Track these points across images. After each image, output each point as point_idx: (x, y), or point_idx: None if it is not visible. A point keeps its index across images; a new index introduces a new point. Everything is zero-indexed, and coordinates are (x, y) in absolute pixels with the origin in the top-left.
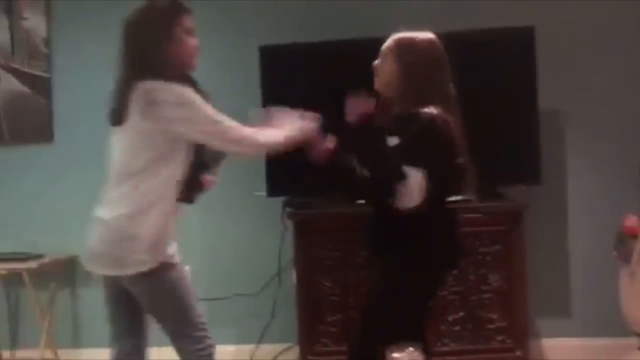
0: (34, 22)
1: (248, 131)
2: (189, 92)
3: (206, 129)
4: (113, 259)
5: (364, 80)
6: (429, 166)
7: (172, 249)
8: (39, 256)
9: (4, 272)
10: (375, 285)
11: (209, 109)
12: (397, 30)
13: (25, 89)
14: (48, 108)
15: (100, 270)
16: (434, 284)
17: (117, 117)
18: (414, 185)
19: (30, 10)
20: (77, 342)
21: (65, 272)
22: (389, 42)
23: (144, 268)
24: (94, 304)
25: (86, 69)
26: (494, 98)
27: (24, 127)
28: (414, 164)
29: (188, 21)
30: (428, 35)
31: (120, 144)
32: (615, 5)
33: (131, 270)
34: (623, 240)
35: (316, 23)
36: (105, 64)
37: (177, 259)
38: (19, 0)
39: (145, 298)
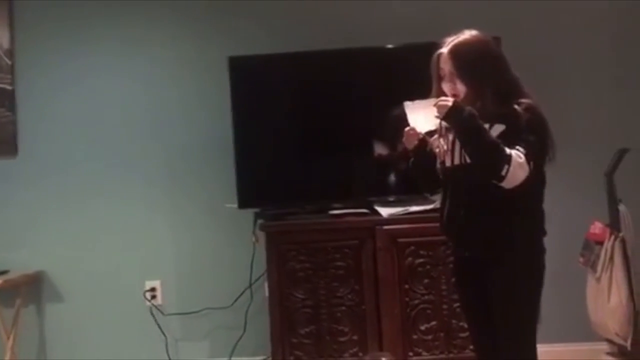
0: None
1: None
2: None
3: None
4: None
5: (334, 90)
6: (536, 149)
7: None
8: (4, 272)
9: None
10: (502, 282)
11: None
12: (368, 41)
13: None
14: (12, 121)
15: None
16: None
17: None
18: (517, 165)
19: None
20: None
21: (31, 288)
22: (444, 60)
23: None
24: (61, 320)
25: (51, 81)
26: None
27: None
28: (520, 145)
29: None
30: (469, 34)
31: None
32: (581, 15)
33: None
34: (589, 246)
35: (286, 34)
36: (70, 76)
37: None
38: None
39: None
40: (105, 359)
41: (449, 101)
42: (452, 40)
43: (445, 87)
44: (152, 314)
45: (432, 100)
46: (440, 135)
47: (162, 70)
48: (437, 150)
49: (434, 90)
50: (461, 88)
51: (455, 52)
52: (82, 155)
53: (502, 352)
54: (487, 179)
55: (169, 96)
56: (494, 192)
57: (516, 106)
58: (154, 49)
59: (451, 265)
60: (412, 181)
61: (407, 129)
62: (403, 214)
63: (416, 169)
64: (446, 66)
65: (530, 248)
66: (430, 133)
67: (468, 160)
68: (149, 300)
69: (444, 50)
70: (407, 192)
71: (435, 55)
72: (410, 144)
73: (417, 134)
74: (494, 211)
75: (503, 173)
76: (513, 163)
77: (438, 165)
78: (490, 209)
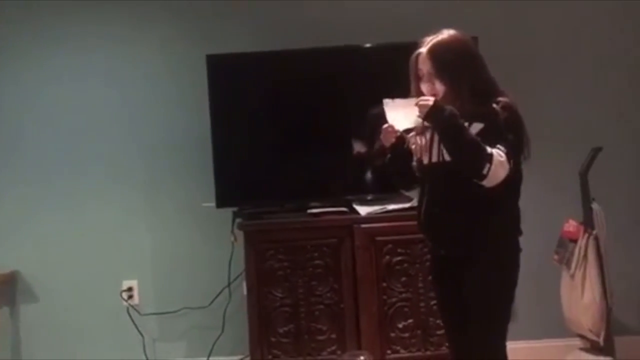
0: None
1: None
2: None
3: None
4: None
5: (313, 89)
6: (515, 148)
7: None
8: None
9: None
10: (478, 281)
11: None
12: (347, 40)
13: None
14: None
15: None
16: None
17: None
18: (498, 164)
19: None
20: None
21: (6, 289)
22: (423, 60)
23: None
24: (36, 321)
25: (28, 80)
26: None
27: None
28: (500, 143)
29: None
30: (448, 34)
31: None
32: (557, 15)
33: None
34: (563, 244)
35: (265, 33)
36: (47, 75)
37: None
38: None
39: None
40: (81, 359)
41: (429, 100)
42: (430, 40)
43: (424, 87)
44: (129, 314)
45: (412, 99)
46: (418, 134)
47: (139, 69)
48: (413, 147)
49: (412, 89)
50: (440, 88)
51: (433, 52)
52: (58, 155)
53: (474, 349)
54: (469, 178)
55: (146, 95)
56: (471, 190)
57: (494, 105)
58: (131, 48)
59: (428, 264)
60: (389, 179)
61: (385, 126)
62: (381, 213)
63: (393, 166)
64: (425, 66)
65: (507, 247)
66: (408, 131)
67: (446, 158)
68: (126, 300)
69: (423, 50)
70: (385, 190)
71: (413, 55)
72: (388, 141)
73: (395, 131)
74: (472, 209)
75: (484, 172)
76: (494, 161)
77: (414, 163)
78: (468, 207)
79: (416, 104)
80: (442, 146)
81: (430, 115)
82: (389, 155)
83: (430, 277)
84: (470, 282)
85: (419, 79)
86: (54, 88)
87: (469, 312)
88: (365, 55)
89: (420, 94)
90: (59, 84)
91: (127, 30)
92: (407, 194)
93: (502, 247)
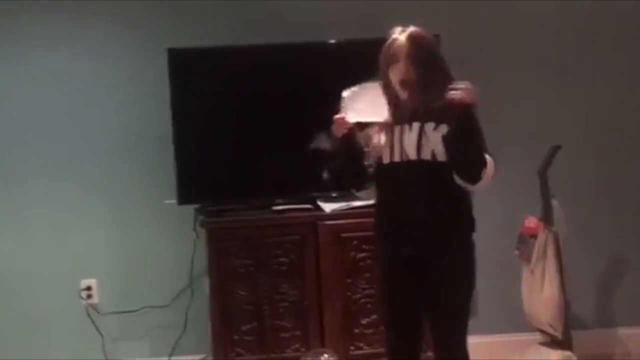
0: None
1: None
2: None
3: None
4: None
5: (277, 85)
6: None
7: None
8: None
9: None
10: (453, 276)
11: None
12: (310, 36)
13: None
14: None
15: None
16: None
17: None
18: (489, 167)
19: None
20: None
21: None
22: (401, 45)
23: None
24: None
25: None
26: None
27: None
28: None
29: None
30: (419, 28)
31: None
32: (515, 14)
33: None
34: (524, 240)
35: (228, 27)
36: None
37: None
38: None
39: None
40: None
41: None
42: (403, 30)
43: (395, 73)
44: (87, 313)
45: (371, 90)
46: (381, 130)
47: (95, 65)
48: (374, 144)
49: (383, 76)
50: (413, 75)
51: (413, 38)
52: (12, 150)
53: (444, 345)
54: (466, 180)
55: (103, 90)
56: (440, 188)
57: (459, 107)
58: (88, 44)
59: (383, 262)
60: (341, 178)
61: (337, 116)
62: (346, 209)
63: (342, 161)
64: (402, 52)
65: (470, 244)
66: (362, 125)
67: (410, 157)
68: (85, 299)
69: (401, 36)
70: None
71: (389, 41)
72: (339, 132)
73: (346, 122)
74: (442, 208)
75: (482, 175)
76: (488, 165)
77: (366, 162)
78: (439, 205)
79: (464, 89)
80: (404, 145)
81: (471, 110)
82: (340, 151)
83: (382, 278)
84: (441, 279)
85: (389, 65)
86: (2, 88)
87: (434, 310)
88: (330, 51)
89: (389, 82)
90: (8, 84)
91: (80, 24)
92: (357, 194)
93: (467, 244)
